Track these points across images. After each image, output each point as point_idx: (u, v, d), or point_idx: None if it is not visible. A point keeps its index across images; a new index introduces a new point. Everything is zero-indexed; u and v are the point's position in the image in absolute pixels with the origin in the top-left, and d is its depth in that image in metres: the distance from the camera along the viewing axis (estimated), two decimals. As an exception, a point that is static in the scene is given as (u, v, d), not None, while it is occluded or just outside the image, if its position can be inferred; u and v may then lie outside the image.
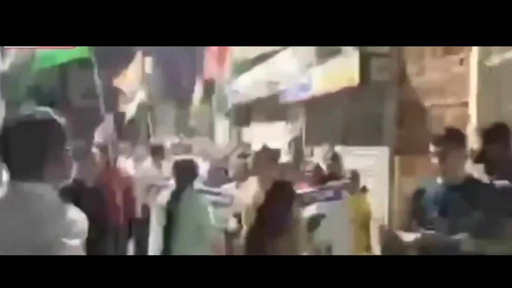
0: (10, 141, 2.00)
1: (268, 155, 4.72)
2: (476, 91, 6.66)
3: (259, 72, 15.44)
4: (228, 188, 6.41)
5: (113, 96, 13.94)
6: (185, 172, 5.29)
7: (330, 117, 11.41)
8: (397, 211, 8.78)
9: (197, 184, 5.69)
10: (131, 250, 7.92)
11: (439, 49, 7.56)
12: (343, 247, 5.31)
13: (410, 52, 8.36)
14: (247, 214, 4.68)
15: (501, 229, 3.22)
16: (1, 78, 6.69)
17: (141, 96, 14.89)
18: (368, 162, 8.83)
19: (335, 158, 8.83)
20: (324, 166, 7.04)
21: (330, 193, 5.49)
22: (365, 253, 6.95)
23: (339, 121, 10.99)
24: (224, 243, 5.36)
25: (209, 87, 15.98)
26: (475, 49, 6.62)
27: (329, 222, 5.32)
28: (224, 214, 5.30)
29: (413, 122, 8.31)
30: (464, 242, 3.20)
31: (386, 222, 8.85)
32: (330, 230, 5.32)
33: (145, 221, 7.00)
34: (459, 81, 7.23)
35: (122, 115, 15.72)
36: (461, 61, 7.13)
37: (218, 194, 5.92)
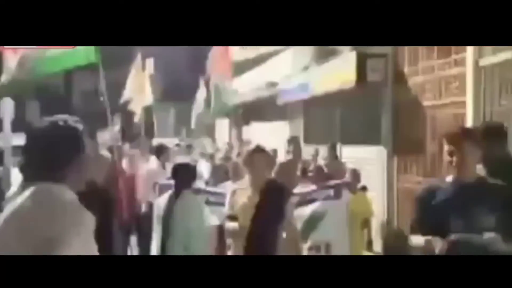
0: (34, 146, 2.18)
1: (262, 154, 4.71)
2: (471, 91, 6.74)
3: (258, 73, 15.60)
4: (227, 187, 6.48)
5: (118, 97, 14.01)
6: (183, 176, 5.36)
7: (329, 117, 11.55)
8: (396, 211, 8.92)
9: (198, 184, 5.72)
10: (135, 249, 8.07)
11: (435, 49, 7.66)
12: (343, 245, 5.30)
13: (406, 52, 8.48)
14: (243, 214, 4.68)
15: None
16: (7, 80, 6.79)
17: (145, 97, 15.02)
18: (366, 161, 8.94)
19: (335, 157, 8.96)
20: (323, 165, 7.12)
21: (330, 192, 5.46)
22: (365, 252, 7.00)
23: (338, 121, 11.13)
24: (221, 243, 5.37)
25: (210, 87, 16.07)
26: (470, 49, 6.71)
27: (329, 221, 5.30)
28: (221, 214, 5.30)
29: (409, 122, 8.42)
30: (493, 242, 3.07)
31: (385, 221, 8.97)
32: (330, 229, 5.29)
33: (149, 219, 7.12)
34: (454, 81, 7.34)
35: (127, 116, 15.84)
36: (456, 62, 7.24)
37: (215, 193, 5.95)
